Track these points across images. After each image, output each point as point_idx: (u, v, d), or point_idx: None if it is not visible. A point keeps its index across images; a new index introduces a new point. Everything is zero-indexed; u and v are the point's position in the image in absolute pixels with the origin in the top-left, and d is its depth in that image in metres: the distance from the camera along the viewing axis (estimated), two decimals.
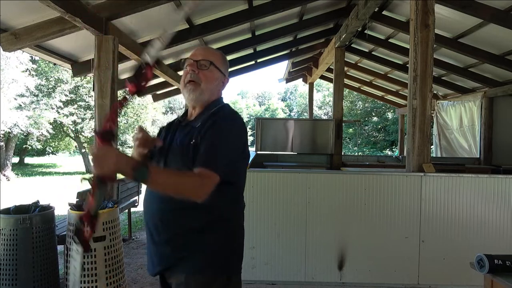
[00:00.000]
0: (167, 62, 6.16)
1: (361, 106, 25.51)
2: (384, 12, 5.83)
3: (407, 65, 4.12)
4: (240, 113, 1.55)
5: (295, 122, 7.17)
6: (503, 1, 4.34)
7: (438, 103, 9.02)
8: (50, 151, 19.22)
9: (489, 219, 3.46)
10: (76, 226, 1.12)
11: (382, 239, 3.48)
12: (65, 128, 15.57)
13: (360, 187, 3.50)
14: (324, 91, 31.83)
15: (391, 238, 3.48)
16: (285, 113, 42.91)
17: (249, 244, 3.45)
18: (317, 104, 30.46)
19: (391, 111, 22.38)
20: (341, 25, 6.63)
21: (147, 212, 1.46)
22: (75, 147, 18.44)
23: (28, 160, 20.71)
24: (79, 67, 5.09)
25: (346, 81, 10.40)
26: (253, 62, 8.56)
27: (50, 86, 14.29)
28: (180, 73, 6.37)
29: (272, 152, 7.10)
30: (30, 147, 17.38)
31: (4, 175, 13.41)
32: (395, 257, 3.48)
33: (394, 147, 22.48)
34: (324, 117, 28.94)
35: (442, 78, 7.98)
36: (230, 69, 8.75)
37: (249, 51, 7.49)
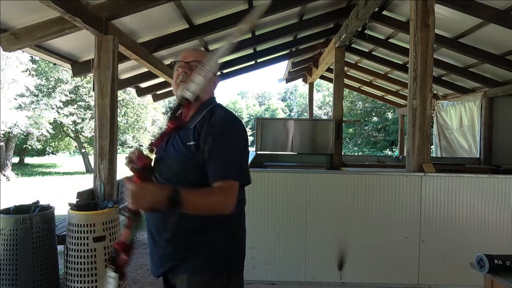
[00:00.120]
0: (167, 62, 6.16)
1: (361, 106, 25.52)
2: (384, 12, 5.83)
3: (407, 65, 4.12)
4: (240, 113, 1.56)
5: (295, 122, 7.17)
6: (503, 1, 4.34)
7: (438, 103, 9.02)
8: (50, 151, 19.20)
9: (489, 219, 3.46)
10: (112, 254, 1.15)
11: (382, 239, 3.49)
12: (65, 128, 15.56)
13: (360, 187, 3.50)
14: (324, 91, 31.83)
15: (391, 238, 3.48)
16: (285, 113, 42.91)
17: (249, 244, 3.44)
18: (317, 104, 30.47)
19: (391, 111, 22.39)
20: (341, 25, 6.63)
21: (147, 213, 1.46)
22: (75, 147, 18.43)
23: (28, 160, 20.69)
24: (79, 67, 5.08)
25: (346, 81, 10.40)
26: (253, 62, 8.56)
27: (50, 86, 14.29)
28: None
29: (272, 152, 7.10)
30: (30, 147, 17.36)
31: (4, 175, 13.41)
32: (395, 257, 3.48)
33: (394, 147, 22.48)
34: (324, 117, 28.94)
35: (442, 78, 7.98)
36: (230, 69, 8.72)
37: (249, 51, 7.49)
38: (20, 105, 12.73)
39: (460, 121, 8.10)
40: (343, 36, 6.31)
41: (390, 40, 6.87)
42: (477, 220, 3.47)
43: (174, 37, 5.06)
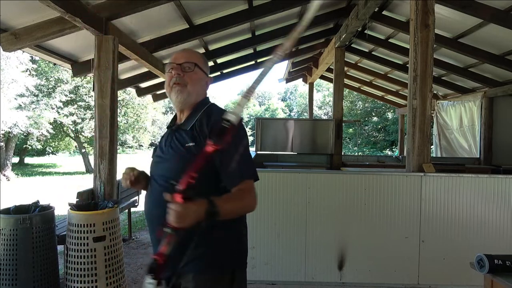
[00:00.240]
0: (167, 62, 6.17)
1: (361, 106, 25.52)
2: (384, 12, 5.82)
3: (407, 65, 4.12)
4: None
5: (295, 122, 7.17)
6: (503, 1, 4.34)
7: (438, 103, 9.02)
8: (50, 151, 19.22)
9: (489, 219, 3.46)
10: (151, 265, 1.20)
11: (382, 239, 3.49)
12: (65, 128, 15.56)
13: (360, 187, 3.50)
14: (324, 91, 31.83)
15: (391, 238, 3.48)
16: (285, 113, 42.91)
17: (249, 244, 3.41)
18: (317, 104, 30.47)
19: (391, 111, 22.38)
20: (341, 25, 6.63)
21: (149, 213, 1.47)
22: (75, 147, 18.43)
23: (28, 160, 20.70)
24: (79, 67, 5.09)
25: (346, 81, 10.39)
26: (253, 62, 8.55)
27: (50, 86, 14.29)
28: None
29: (272, 152, 7.10)
30: (30, 147, 17.36)
31: (4, 175, 13.41)
32: (395, 257, 3.48)
33: (394, 147, 22.48)
34: (324, 117, 28.94)
35: (442, 78, 7.98)
36: (230, 69, 8.71)
37: (249, 51, 7.48)
38: (20, 105, 12.73)
39: (460, 121, 8.10)
40: (343, 36, 6.31)
41: (390, 40, 6.87)
42: (477, 220, 3.47)
43: (174, 37, 5.06)
